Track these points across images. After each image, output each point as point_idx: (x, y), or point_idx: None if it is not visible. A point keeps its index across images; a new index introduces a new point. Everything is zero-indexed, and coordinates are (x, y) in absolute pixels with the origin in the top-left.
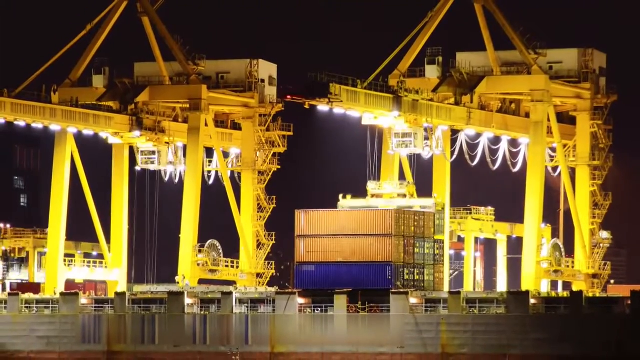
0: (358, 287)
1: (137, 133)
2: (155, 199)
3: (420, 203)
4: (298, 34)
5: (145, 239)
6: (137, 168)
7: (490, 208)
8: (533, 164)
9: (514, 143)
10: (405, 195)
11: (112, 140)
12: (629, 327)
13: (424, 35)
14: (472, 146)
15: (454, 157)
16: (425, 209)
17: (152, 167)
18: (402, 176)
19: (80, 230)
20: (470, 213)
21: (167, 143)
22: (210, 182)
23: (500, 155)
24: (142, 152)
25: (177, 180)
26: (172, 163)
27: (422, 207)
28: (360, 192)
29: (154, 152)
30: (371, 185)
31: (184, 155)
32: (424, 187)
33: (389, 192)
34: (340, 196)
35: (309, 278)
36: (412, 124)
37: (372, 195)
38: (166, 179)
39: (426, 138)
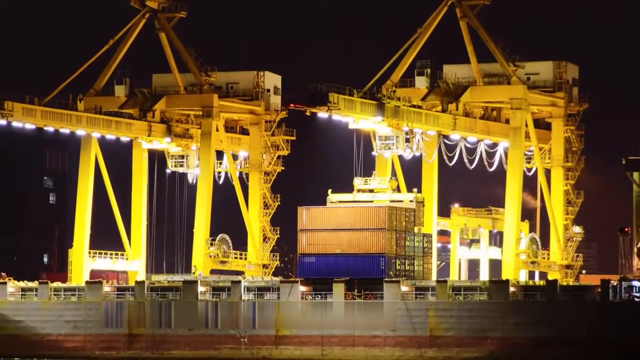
0: (354, 277)
1: (168, 139)
2: (177, 198)
3: (402, 197)
4: (301, 49)
5: (162, 233)
6: (168, 170)
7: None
8: (512, 166)
9: (492, 146)
10: (386, 190)
11: (145, 145)
12: (598, 312)
13: (414, 49)
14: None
15: (454, 160)
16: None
17: (181, 170)
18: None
19: (103, 226)
20: (491, 213)
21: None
22: (221, 181)
23: (477, 156)
24: (172, 156)
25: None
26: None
27: (403, 201)
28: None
29: (182, 157)
30: (357, 181)
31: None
32: (417, 186)
33: (373, 187)
34: (329, 191)
35: (310, 268)
36: (395, 127)
37: (358, 190)
38: (192, 181)
39: (408, 141)
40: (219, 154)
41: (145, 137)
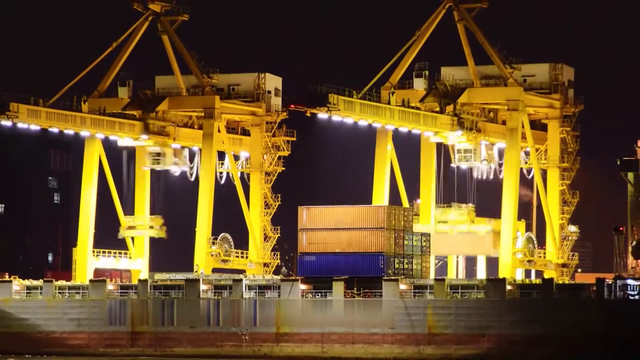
0: (354, 275)
1: (144, 136)
2: (156, 194)
3: (478, 229)
4: (301, 51)
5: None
6: (144, 168)
7: (471, 205)
8: (509, 166)
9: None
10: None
11: (120, 142)
12: (593, 310)
13: (412, 51)
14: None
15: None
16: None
17: (157, 167)
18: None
19: (106, 225)
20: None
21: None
22: (222, 182)
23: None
24: (149, 153)
25: (193, 178)
26: (177, 164)
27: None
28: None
29: (159, 154)
30: (437, 212)
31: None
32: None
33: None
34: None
35: (310, 267)
36: (472, 141)
37: (438, 222)
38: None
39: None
40: (221, 155)
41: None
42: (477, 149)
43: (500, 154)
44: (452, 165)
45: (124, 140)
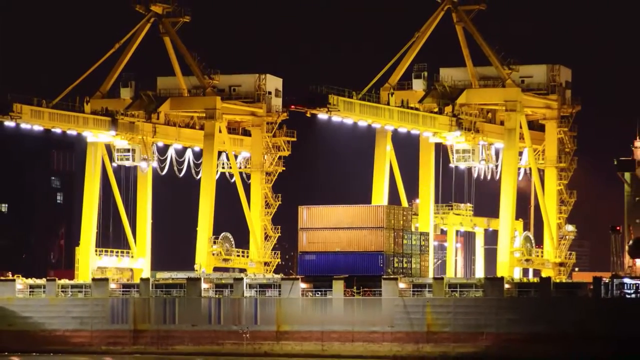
0: (353, 274)
1: (112, 132)
2: (128, 193)
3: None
4: (301, 52)
5: (167, 232)
6: (113, 164)
7: (469, 204)
8: (507, 166)
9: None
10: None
11: (91, 138)
12: (590, 309)
13: (412, 52)
14: None
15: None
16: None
17: (127, 164)
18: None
19: (108, 224)
20: (452, 209)
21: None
22: (232, 181)
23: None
24: (117, 149)
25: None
26: (146, 160)
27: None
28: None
29: (128, 150)
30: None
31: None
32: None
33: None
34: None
35: (310, 266)
36: (471, 142)
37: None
38: (143, 172)
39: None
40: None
41: (150, 138)
42: (475, 149)
43: (496, 153)
44: (451, 165)
45: (97, 137)
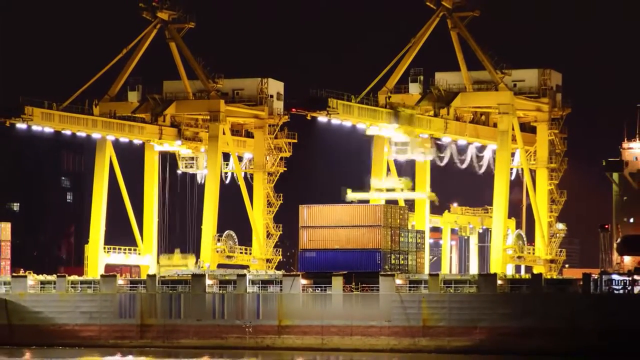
0: (352, 270)
1: (178, 142)
2: (188, 196)
3: (415, 196)
4: (301, 57)
5: (173, 230)
6: (179, 171)
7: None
8: (500, 167)
9: (481, 149)
10: (402, 190)
11: (157, 147)
12: (580, 304)
13: (408, 57)
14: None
15: (444, 161)
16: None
17: (191, 171)
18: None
19: (117, 223)
20: (487, 212)
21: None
22: (227, 181)
23: (467, 158)
24: (182, 158)
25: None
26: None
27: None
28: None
29: (192, 158)
30: (374, 181)
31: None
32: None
33: (389, 186)
34: (349, 190)
35: (310, 263)
36: (409, 134)
37: (375, 189)
38: (201, 181)
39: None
40: (226, 156)
41: (156, 140)
42: (413, 141)
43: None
44: (389, 157)
45: (161, 146)
